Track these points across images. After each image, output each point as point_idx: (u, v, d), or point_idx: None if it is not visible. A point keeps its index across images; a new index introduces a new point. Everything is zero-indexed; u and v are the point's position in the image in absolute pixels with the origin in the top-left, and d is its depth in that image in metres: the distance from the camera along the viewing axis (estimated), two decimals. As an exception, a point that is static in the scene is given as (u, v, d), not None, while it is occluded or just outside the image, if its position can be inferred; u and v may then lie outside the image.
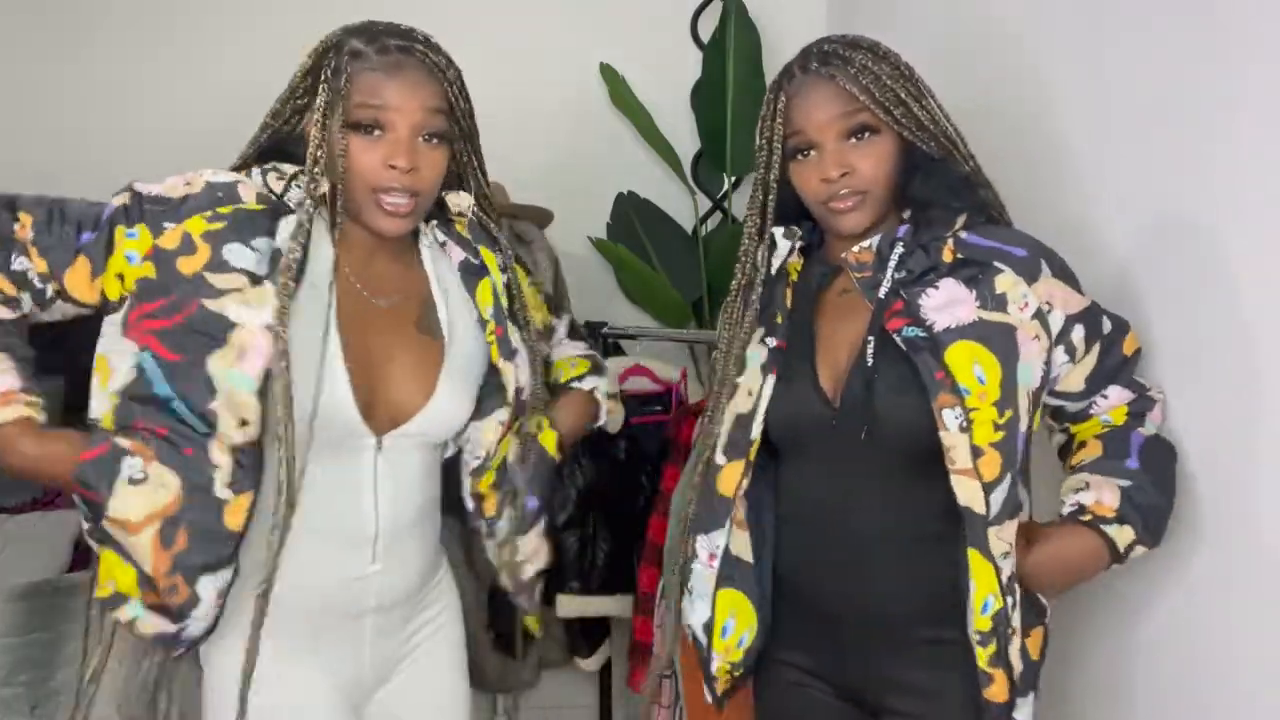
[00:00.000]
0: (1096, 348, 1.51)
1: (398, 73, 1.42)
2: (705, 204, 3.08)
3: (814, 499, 1.51)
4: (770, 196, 1.53)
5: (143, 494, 1.35)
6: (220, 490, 1.36)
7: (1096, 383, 1.54)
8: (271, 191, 1.46)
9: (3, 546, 2.38)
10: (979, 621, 1.39)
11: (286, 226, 1.42)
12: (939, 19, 2.28)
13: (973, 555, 1.38)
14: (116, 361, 1.38)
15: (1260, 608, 1.38)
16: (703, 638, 1.58)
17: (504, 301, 1.60)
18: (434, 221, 1.61)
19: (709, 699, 1.59)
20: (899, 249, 1.47)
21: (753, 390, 1.52)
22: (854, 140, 1.46)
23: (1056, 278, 1.47)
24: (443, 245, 1.61)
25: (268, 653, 1.43)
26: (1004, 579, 1.39)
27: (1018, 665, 1.42)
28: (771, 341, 1.52)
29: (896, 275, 1.45)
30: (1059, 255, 1.50)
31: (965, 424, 1.37)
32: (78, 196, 1.45)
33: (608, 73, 2.99)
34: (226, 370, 1.35)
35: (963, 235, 1.48)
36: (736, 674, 1.56)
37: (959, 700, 1.44)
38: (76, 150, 2.87)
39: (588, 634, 2.65)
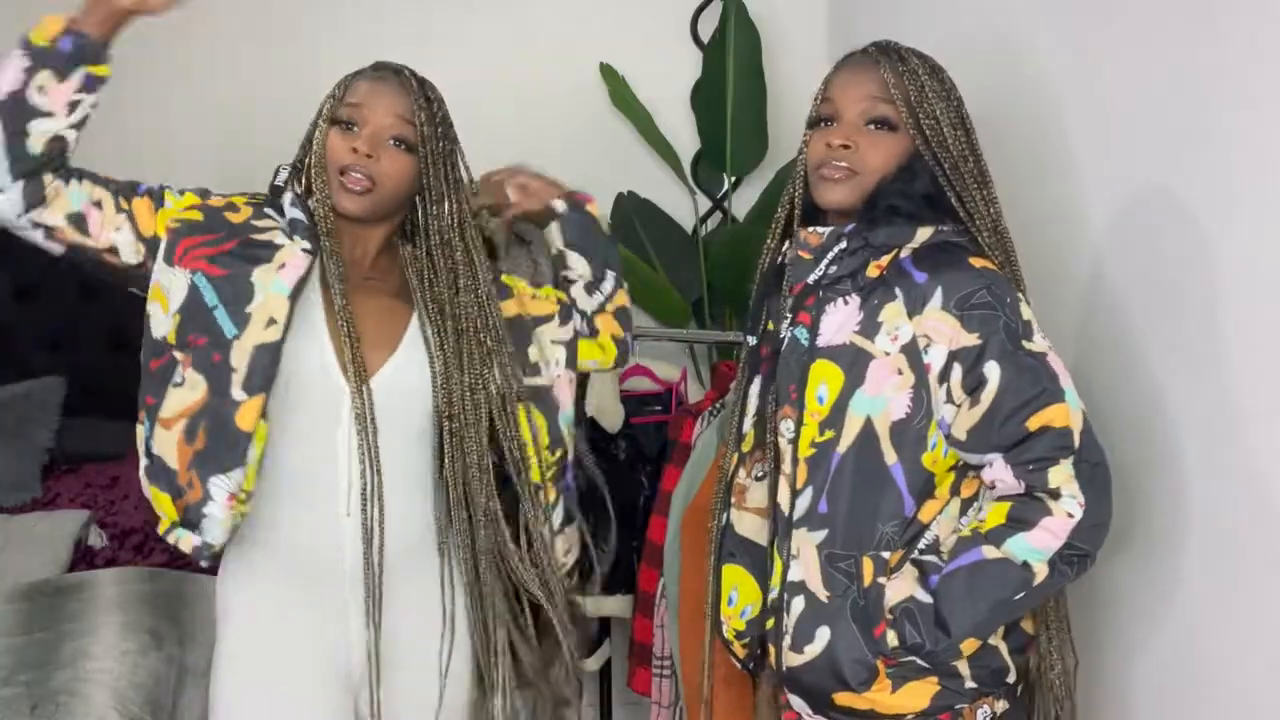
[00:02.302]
0: (985, 400, 1.40)
1: (379, 84, 1.64)
2: (705, 204, 3.08)
3: None
4: (801, 175, 1.55)
5: (179, 395, 1.55)
6: (236, 392, 1.53)
7: (979, 442, 1.42)
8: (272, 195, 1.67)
9: (3, 546, 2.38)
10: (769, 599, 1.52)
11: (291, 209, 1.63)
12: (940, 20, 2.28)
13: (772, 548, 1.50)
14: (171, 287, 1.58)
15: (1261, 608, 1.38)
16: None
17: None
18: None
19: (736, 663, 1.62)
20: (841, 244, 1.49)
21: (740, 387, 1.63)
22: (872, 127, 1.49)
23: (947, 310, 1.40)
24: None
25: (268, 612, 1.63)
26: (789, 578, 1.48)
27: (788, 660, 1.48)
28: (751, 340, 1.61)
29: (829, 269, 1.49)
30: (983, 290, 1.40)
31: (794, 437, 1.47)
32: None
33: (608, 73, 2.99)
34: (270, 278, 1.56)
35: (903, 257, 1.46)
36: (744, 641, 1.57)
37: None
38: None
39: (587, 634, 2.65)
